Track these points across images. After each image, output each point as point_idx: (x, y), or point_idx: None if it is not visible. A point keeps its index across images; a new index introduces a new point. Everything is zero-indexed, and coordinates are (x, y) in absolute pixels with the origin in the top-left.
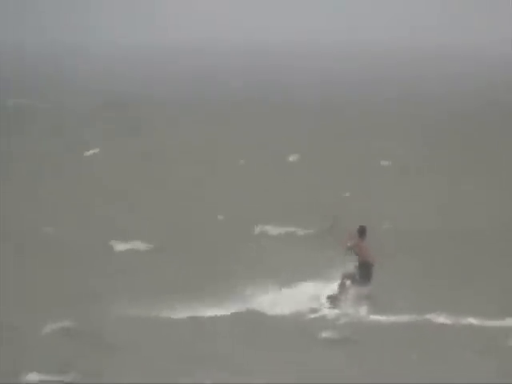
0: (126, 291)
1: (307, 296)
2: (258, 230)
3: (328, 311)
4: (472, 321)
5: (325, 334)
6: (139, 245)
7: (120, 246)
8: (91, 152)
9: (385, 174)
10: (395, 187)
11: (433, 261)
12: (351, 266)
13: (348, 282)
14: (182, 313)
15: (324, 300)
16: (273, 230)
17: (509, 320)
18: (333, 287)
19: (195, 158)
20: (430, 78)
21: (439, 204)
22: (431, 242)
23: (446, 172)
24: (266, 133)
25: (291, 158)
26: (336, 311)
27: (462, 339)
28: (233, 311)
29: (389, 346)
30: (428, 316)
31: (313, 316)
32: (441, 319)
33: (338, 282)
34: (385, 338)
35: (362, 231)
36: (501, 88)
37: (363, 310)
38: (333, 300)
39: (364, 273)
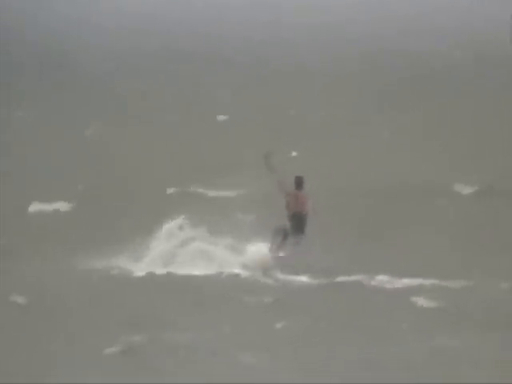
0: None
1: (236, 254)
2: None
3: (257, 271)
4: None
5: (250, 296)
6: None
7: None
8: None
9: (330, 130)
10: (340, 144)
11: (365, 221)
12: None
13: (280, 238)
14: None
15: (254, 259)
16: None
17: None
18: (263, 245)
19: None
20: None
21: (382, 161)
22: (369, 201)
23: (394, 128)
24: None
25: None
26: (267, 270)
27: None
28: (152, 270)
29: (317, 307)
30: (355, 277)
31: (240, 276)
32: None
33: (270, 239)
34: (314, 298)
35: (298, 182)
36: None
37: (293, 270)
38: (264, 258)
39: (297, 224)
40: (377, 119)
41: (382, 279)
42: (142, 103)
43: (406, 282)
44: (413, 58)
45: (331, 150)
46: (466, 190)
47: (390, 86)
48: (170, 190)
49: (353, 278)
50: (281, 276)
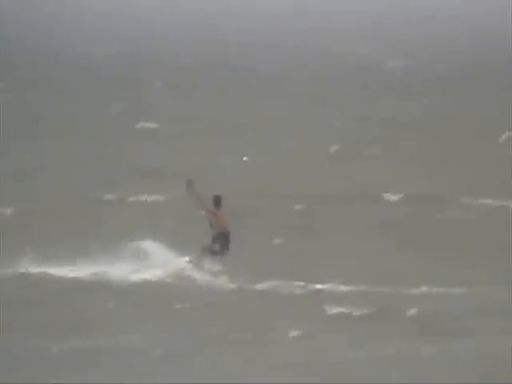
0: None
1: (169, 265)
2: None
3: (189, 282)
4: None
5: (180, 304)
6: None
7: None
8: None
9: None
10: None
11: (292, 227)
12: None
13: (205, 253)
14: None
15: (186, 271)
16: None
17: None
18: (193, 259)
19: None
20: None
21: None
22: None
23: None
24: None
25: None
26: (197, 282)
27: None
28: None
29: (245, 311)
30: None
31: (172, 285)
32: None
33: (198, 254)
34: (244, 303)
35: (217, 201)
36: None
37: (224, 279)
38: (193, 271)
39: (223, 242)
40: (323, 129)
41: (297, 285)
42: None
43: (320, 287)
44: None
45: (278, 157)
46: (393, 198)
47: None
48: (109, 196)
49: (270, 284)
50: (201, 282)
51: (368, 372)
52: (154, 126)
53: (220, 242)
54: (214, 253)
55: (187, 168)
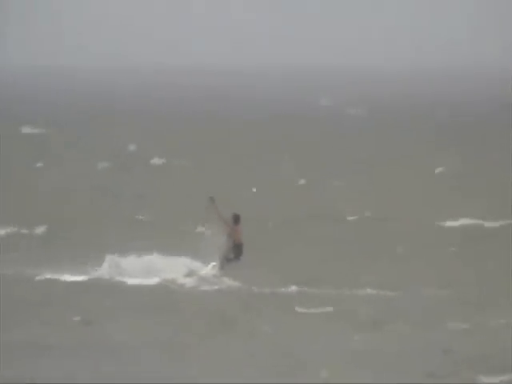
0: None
1: (187, 269)
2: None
3: (208, 283)
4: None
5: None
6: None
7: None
8: None
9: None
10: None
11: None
12: (226, 246)
13: (224, 260)
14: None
15: (205, 274)
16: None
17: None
18: (212, 264)
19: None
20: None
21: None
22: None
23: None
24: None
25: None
26: (215, 283)
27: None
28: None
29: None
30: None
31: (193, 286)
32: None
33: (217, 259)
34: (248, 302)
35: (236, 218)
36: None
37: (235, 281)
38: (213, 274)
39: (237, 252)
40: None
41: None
42: None
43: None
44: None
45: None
46: (352, 217)
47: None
48: (142, 218)
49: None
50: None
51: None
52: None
53: (235, 252)
54: (229, 259)
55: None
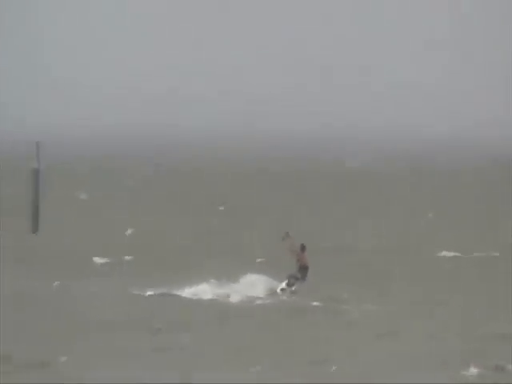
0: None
1: (263, 288)
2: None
3: (279, 298)
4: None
5: (276, 315)
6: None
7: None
8: None
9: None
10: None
11: (340, 268)
12: (293, 269)
13: (292, 280)
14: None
15: (278, 291)
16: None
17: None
18: (284, 282)
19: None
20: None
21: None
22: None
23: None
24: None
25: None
26: (285, 297)
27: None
28: (209, 297)
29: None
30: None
31: (268, 301)
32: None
33: (286, 279)
34: (313, 314)
35: (303, 247)
36: None
37: (302, 297)
38: (282, 292)
39: (303, 273)
40: None
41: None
42: None
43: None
44: None
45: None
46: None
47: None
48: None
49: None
50: (287, 299)
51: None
52: None
53: (301, 273)
54: (296, 279)
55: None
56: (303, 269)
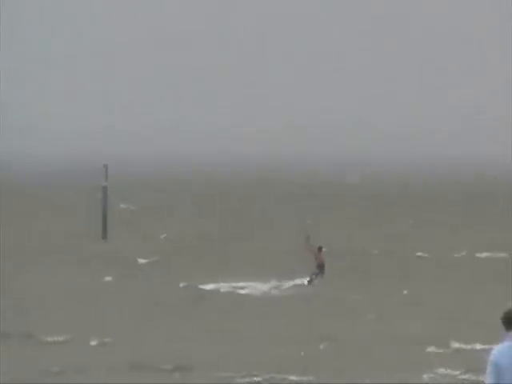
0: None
1: (292, 282)
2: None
3: (305, 290)
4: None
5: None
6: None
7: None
8: None
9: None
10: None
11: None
12: (314, 267)
13: (313, 275)
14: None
15: (304, 284)
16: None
17: None
18: (306, 278)
19: None
20: None
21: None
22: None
23: None
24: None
25: None
26: (310, 289)
27: None
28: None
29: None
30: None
31: (297, 292)
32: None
33: (309, 275)
34: (333, 304)
35: (320, 248)
36: None
37: (322, 290)
38: (308, 283)
39: (321, 270)
40: None
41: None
42: None
43: None
44: None
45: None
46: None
47: None
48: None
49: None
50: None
51: None
52: None
53: (320, 270)
54: (316, 275)
55: None
56: (320, 266)
